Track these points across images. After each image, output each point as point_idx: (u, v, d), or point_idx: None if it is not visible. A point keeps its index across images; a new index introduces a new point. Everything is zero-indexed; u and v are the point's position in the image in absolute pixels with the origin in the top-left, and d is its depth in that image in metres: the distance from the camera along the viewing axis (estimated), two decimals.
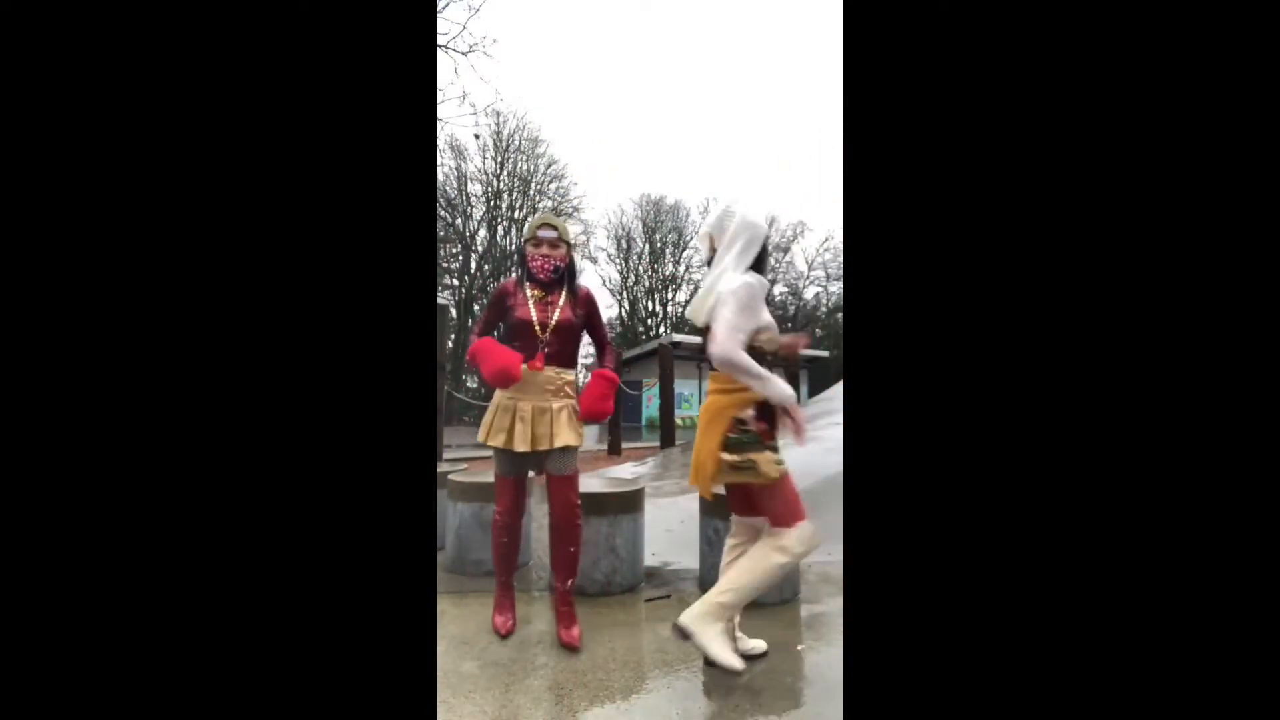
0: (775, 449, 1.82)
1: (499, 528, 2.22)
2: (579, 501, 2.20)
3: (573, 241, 2.22)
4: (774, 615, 2.38)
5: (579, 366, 2.30)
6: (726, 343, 1.72)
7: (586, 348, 2.39)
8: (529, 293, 2.13)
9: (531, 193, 22.61)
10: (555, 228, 2.15)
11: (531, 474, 2.28)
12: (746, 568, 1.79)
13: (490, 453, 2.18)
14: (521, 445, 2.07)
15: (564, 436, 2.11)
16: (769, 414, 1.81)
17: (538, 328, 2.10)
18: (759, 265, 1.86)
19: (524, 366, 2.06)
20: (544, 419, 2.10)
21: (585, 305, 2.22)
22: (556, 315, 2.12)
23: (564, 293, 2.15)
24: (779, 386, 1.76)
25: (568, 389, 2.16)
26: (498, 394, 2.13)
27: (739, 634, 1.94)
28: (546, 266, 2.12)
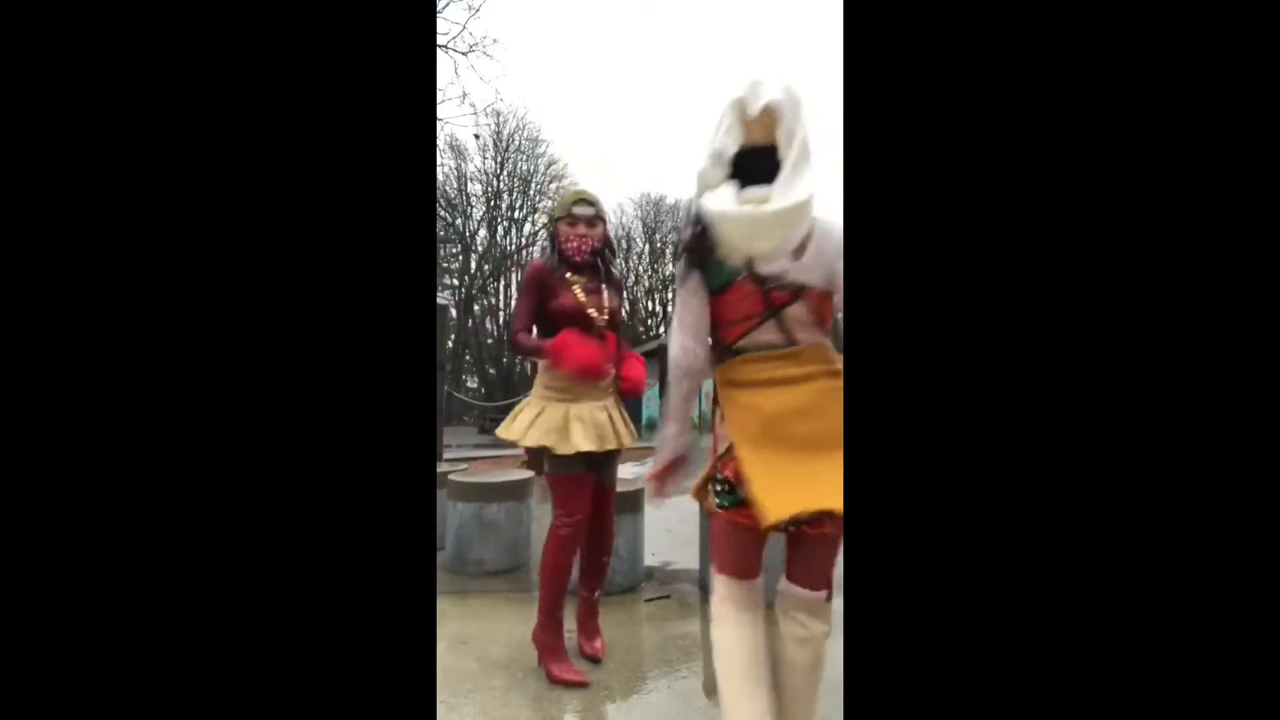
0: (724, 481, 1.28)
1: (565, 540, 1.86)
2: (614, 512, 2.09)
3: (609, 219, 1.99)
4: (775, 615, 2.37)
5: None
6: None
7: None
8: (570, 278, 1.86)
9: (531, 193, 22.61)
10: (593, 204, 1.88)
11: (531, 474, 2.16)
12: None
13: (491, 453, 2.12)
14: (586, 445, 1.81)
15: (625, 437, 1.93)
16: None
17: (594, 316, 1.84)
18: None
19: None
20: (603, 416, 1.90)
21: (619, 291, 1.99)
22: (605, 303, 1.88)
23: (602, 277, 1.90)
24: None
25: (614, 383, 1.96)
26: (540, 390, 1.90)
27: None
28: (584, 247, 1.85)
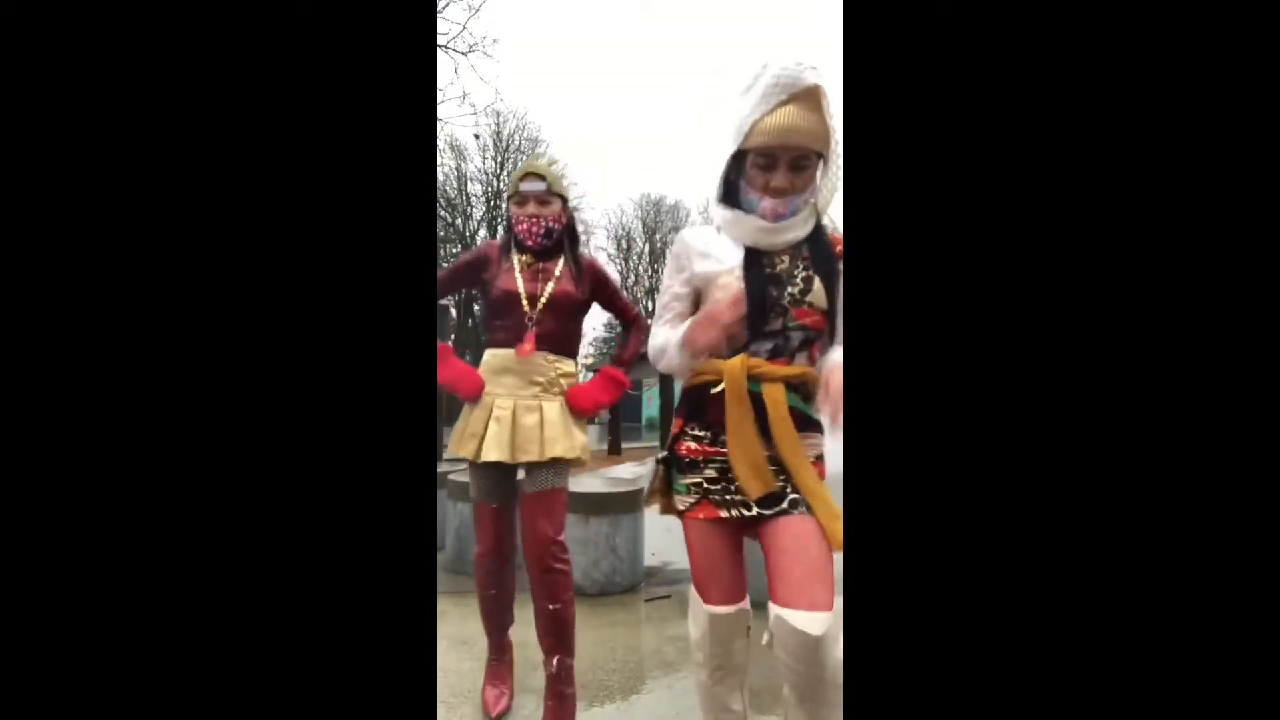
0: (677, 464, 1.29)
1: (480, 574, 1.72)
2: (562, 536, 1.62)
3: (568, 195, 1.68)
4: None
5: (578, 365, 1.79)
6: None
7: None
8: (515, 260, 1.62)
9: None
10: (543, 177, 1.60)
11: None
12: None
13: None
14: (495, 453, 1.54)
15: (556, 445, 1.57)
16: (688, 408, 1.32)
17: (525, 302, 1.59)
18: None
19: (511, 352, 1.61)
20: (530, 420, 1.58)
21: (591, 278, 1.69)
22: (551, 287, 1.61)
23: (561, 261, 1.65)
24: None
25: (564, 383, 1.66)
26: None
27: None
28: (535, 229, 1.59)
